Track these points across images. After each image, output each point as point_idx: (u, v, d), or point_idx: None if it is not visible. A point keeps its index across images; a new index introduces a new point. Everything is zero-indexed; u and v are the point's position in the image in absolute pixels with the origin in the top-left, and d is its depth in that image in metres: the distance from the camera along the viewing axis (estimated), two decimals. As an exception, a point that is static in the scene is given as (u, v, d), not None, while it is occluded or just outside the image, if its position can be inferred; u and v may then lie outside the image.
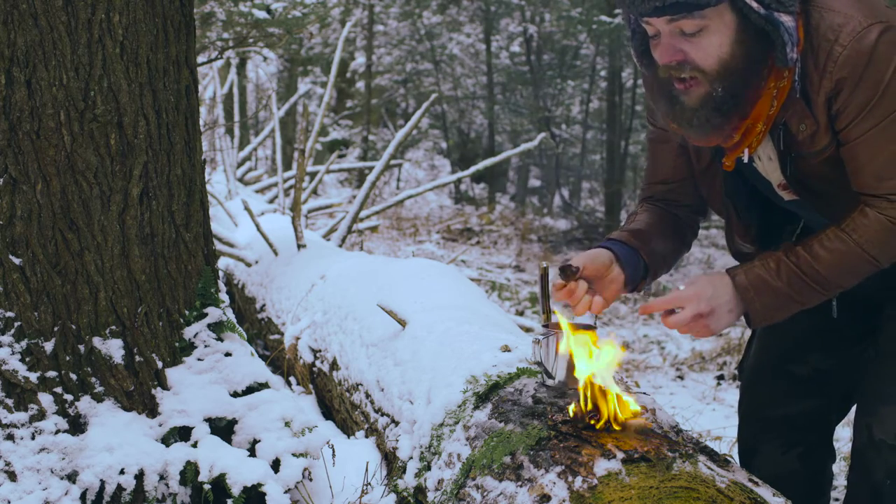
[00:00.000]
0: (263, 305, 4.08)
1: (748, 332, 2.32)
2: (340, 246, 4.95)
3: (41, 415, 2.13)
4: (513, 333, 2.47)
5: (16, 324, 2.13)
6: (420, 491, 1.94)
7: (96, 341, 2.21)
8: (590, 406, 1.64)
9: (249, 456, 2.25)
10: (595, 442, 1.57)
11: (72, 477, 2.09)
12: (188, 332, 2.38)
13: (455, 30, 14.06)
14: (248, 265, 4.47)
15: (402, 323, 2.59)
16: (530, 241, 10.27)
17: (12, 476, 2.04)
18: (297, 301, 3.59)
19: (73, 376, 2.18)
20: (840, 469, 2.95)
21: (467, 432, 1.85)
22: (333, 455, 2.42)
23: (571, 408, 1.67)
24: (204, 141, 3.57)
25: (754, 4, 1.65)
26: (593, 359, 1.71)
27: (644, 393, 1.81)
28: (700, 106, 1.73)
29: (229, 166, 6.79)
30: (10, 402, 2.11)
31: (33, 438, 2.10)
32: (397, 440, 2.22)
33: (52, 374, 2.16)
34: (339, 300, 3.18)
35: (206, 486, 2.15)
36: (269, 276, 4.17)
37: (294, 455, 2.27)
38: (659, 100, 1.82)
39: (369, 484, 2.34)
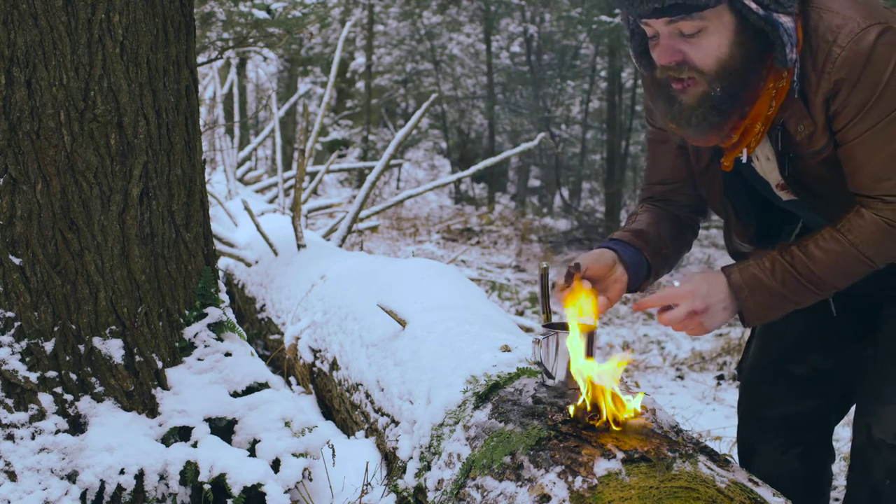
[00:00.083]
0: (263, 305, 4.08)
1: (748, 332, 2.33)
2: (340, 246, 4.95)
3: (41, 415, 2.13)
4: (513, 333, 2.47)
5: (16, 324, 2.13)
6: (420, 491, 1.94)
7: (96, 341, 2.21)
8: (590, 406, 1.64)
9: (249, 456, 2.25)
10: (595, 442, 1.57)
11: (72, 477, 2.09)
12: (188, 332, 2.38)
13: (455, 30, 14.06)
14: (248, 265, 4.47)
15: (402, 323, 2.59)
16: (530, 241, 10.27)
17: (12, 476, 2.04)
18: (297, 301, 3.59)
19: (73, 376, 2.19)
20: (840, 469, 2.96)
21: (467, 432, 1.85)
22: (333, 455, 2.42)
23: (571, 408, 1.67)
24: (204, 141, 3.58)
25: (753, 5, 1.65)
26: (594, 360, 1.71)
27: (644, 393, 1.81)
28: (698, 105, 1.73)
29: (229, 166, 6.79)
30: (10, 402, 2.11)
31: (33, 438, 2.10)
32: (397, 440, 2.22)
33: (52, 374, 2.16)
34: (339, 300, 3.18)
35: (206, 486, 2.15)
36: (269, 276, 4.17)
37: (294, 455, 2.27)
38: (657, 100, 1.82)
39: (369, 484, 2.34)
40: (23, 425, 2.10)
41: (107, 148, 2.18)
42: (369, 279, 3.16)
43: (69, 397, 2.17)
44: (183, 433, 2.27)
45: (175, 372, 2.33)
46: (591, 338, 1.79)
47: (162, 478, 2.16)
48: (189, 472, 2.18)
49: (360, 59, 14.65)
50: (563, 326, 1.82)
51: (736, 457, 2.38)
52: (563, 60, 12.44)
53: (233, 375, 2.39)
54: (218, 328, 2.43)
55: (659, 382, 4.82)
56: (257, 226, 4.22)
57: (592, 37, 10.70)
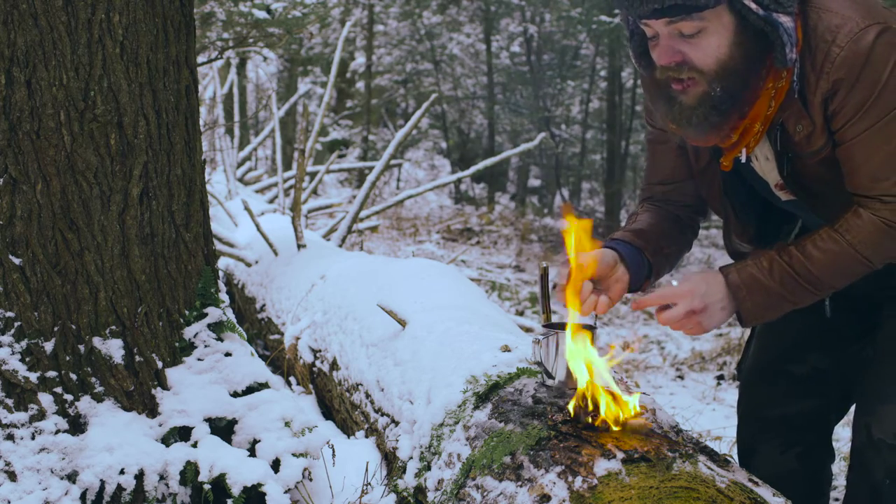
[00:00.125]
0: (263, 305, 4.08)
1: (748, 332, 2.33)
2: (340, 246, 4.95)
3: (41, 415, 2.13)
4: (513, 333, 2.47)
5: (16, 324, 2.13)
6: (420, 491, 1.94)
7: (96, 341, 2.22)
8: (590, 406, 1.64)
9: (249, 456, 2.25)
10: (595, 442, 1.57)
11: (72, 477, 2.09)
12: (188, 332, 2.38)
13: (455, 30, 14.07)
14: (248, 265, 4.47)
15: (402, 323, 2.59)
16: (530, 241, 10.27)
17: (12, 476, 2.04)
18: (297, 301, 3.59)
19: (73, 376, 2.19)
20: (840, 469, 2.95)
21: (467, 432, 1.85)
22: (333, 455, 2.42)
23: (571, 408, 1.67)
24: (204, 141, 3.58)
25: (753, 6, 1.65)
26: (591, 358, 1.71)
27: (644, 393, 1.82)
28: (698, 105, 1.73)
29: (229, 166, 6.79)
30: (10, 402, 2.11)
31: (33, 438, 2.10)
32: (397, 440, 2.22)
33: (52, 374, 2.16)
34: (339, 300, 3.18)
35: (206, 486, 2.15)
36: (269, 276, 4.17)
37: (294, 455, 2.27)
38: (657, 100, 1.82)
39: (369, 484, 2.34)
40: (23, 425, 2.10)
41: (107, 148, 2.18)
42: (369, 279, 3.16)
43: (69, 397, 2.17)
44: (183, 433, 2.27)
45: (175, 372, 2.33)
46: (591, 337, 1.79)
47: (162, 478, 2.16)
48: (189, 472, 2.18)
49: (360, 59, 14.65)
50: (564, 326, 1.82)
51: (736, 457, 2.38)
52: (563, 60, 12.44)
53: (233, 375, 2.39)
54: (218, 328, 2.43)
55: (659, 382, 4.82)
56: (257, 226, 4.22)
57: (592, 37, 10.70)
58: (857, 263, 1.75)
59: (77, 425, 2.17)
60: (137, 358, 2.26)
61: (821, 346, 2.14)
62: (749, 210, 2.00)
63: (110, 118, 2.17)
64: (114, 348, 2.23)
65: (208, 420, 2.30)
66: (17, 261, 2.12)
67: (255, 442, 2.30)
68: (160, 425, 2.26)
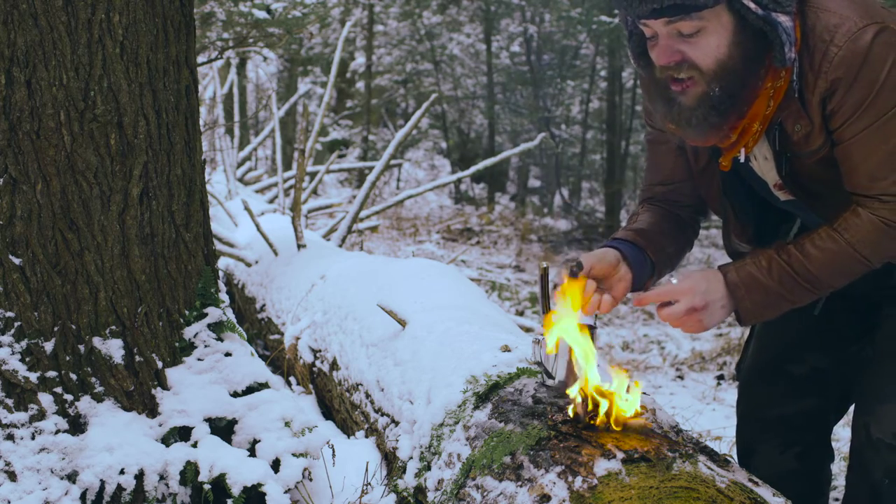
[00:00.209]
0: (263, 305, 4.08)
1: (748, 332, 2.33)
2: (340, 246, 4.95)
3: (41, 415, 2.13)
4: (513, 333, 2.47)
5: (16, 324, 2.13)
6: (420, 491, 1.94)
7: (96, 341, 2.22)
8: (590, 406, 1.64)
9: (249, 456, 2.25)
10: (595, 442, 1.57)
11: (72, 477, 2.09)
12: (188, 332, 2.38)
13: (455, 30, 14.06)
14: (248, 265, 4.47)
15: (402, 323, 2.59)
16: (530, 241, 10.27)
17: (12, 476, 2.04)
18: (297, 301, 3.59)
19: (73, 376, 2.19)
20: (840, 469, 2.96)
21: (467, 432, 1.85)
22: (333, 455, 2.42)
23: (571, 408, 1.67)
24: (204, 141, 3.57)
25: (752, 5, 1.66)
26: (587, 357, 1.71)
27: (644, 393, 1.82)
28: (697, 105, 1.73)
29: (229, 166, 6.79)
30: (10, 402, 2.11)
31: (33, 438, 2.10)
32: (397, 440, 2.22)
33: (52, 374, 2.16)
34: (339, 300, 3.18)
35: (206, 486, 2.15)
36: (269, 276, 4.17)
37: (294, 455, 2.27)
38: (656, 101, 1.82)
39: (369, 484, 2.34)
40: (23, 425, 2.10)
41: (107, 148, 2.18)
42: (369, 279, 3.16)
43: (69, 397, 2.17)
44: (183, 433, 2.27)
45: (175, 372, 2.33)
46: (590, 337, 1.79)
47: (162, 478, 2.16)
48: (189, 472, 2.18)
49: (360, 59, 14.65)
50: (563, 326, 1.82)
51: (735, 457, 2.38)
52: (563, 60, 12.44)
53: (233, 375, 2.39)
54: (218, 328, 2.43)
55: (659, 382, 4.82)
56: (257, 226, 4.22)
57: (592, 37, 10.70)
58: (856, 263, 1.75)
59: (77, 425, 2.17)
60: (137, 358, 2.26)
61: (820, 345, 2.14)
62: (748, 210, 2.01)
63: (110, 118, 2.17)
64: (114, 348, 2.23)
65: (208, 420, 2.30)
66: (17, 261, 2.12)
67: (255, 442, 2.30)
68: (160, 425, 2.26)
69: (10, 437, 2.08)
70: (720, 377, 4.90)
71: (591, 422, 1.63)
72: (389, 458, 2.37)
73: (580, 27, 10.68)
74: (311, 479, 2.33)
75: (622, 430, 1.61)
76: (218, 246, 4.35)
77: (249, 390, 2.40)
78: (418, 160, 15.89)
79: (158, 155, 2.28)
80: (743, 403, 2.28)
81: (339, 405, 2.91)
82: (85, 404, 2.19)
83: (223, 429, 2.32)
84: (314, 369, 3.18)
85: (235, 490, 2.13)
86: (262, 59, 13.46)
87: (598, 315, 1.90)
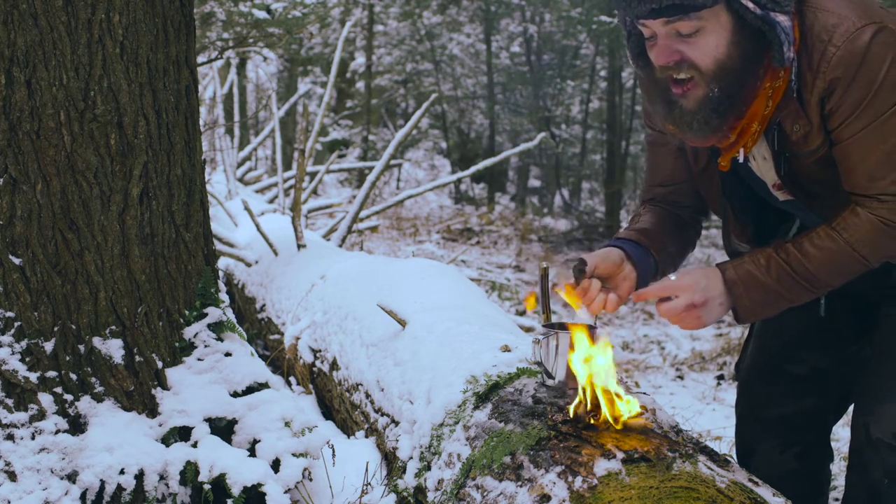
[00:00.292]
0: (263, 305, 4.08)
1: (747, 332, 2.33)
2: (340, 246, 4.95)
3: (41, 415, 2.13)
4: (513, 333, 2.47)
5: (16, 324, 2.13)
6: (420, 491, 1.94)
7: (96, 341, 2.22)
8: (590, 406, 1.64)
9: (249, 456, 2.25)
10: (595, 442, 1.57)
11: (72, 477, 2.09)
12: (188, 332, 2.38)
13: (455, 30, 14.06)
14: (248, 265, 4.47)
15: (402, 323, 2.59)
16: (530, 241, 10.27)
17: (12, 476, 2.04)
18: (297, 301, 3.59)
19: (73, 376, 2.19)
20: (840, 469, 2.95)
21: (467, 432, 1.85)
22: (333, 455, 2.42)
23: (571, 408, 1.67)
24: (204, 141, 3.58)
25: (750, 5, 1.66)
26: (592, 359, 1.71)
27: (644, 393, 1.82)
28: (699, 109, 1.73)
29: (229, 166, 6.79)
30: (10, 402, 2.11)
31: (33, 438, 2.10)
32: (397, 440, 2.22)
33: (52, 374, 2.16)
34: (339, 300, 3.19)
35: (206, 486, 2.15)
36: (269, 276, 4.17)
37: (294, 455, 2.27)
38: (656, 102, 1.82)
39: (369, 484, 2.34)
40: (23, 425, 2.10)
41: (107, 148, 2.18)
42: (369, 279, 3.16)
43: (69, 397, 2.17)
44: (183, 433, 2.27)
45: (175, 372, 2.33)
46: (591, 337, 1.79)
47: (162, 478, 2.16)
48: (189, 472, 2.18)
49: (360, 59, 14.65)
50: (563, 326, 1.82)
51: (735, 457, 2.38)
52: (563, 60, 12.44)
53: (233, 375, 2.39)
54: (218, 328, 2.43)
55: (659, 382, 4.82)
56: (257, 226, 4.22)
57: (592, 37, 10.70)
58: (855, 262, 1.75)
59: (77, 425, 2.17)
60: (137, 358, 2.26)
61: (819, 345, 2.14)
62: (747, 210, 2.01)
63: (110, 118, 2.17)
64: (114, 348, 2.23)
65: (208, 420, 2.30)
66: (17, 261, 2.12)
67: (255, 442, 2.30)
68: (160, 425, 2.26)
69: (10, 437, 2.08)
70: (720, 377, 4.90)
71: (592, 422, 1.63)
72: (389, 458, 2.37)
73: (580, 27, 10.67)
74: (311, 479, 2.33)
75: (622, 430, 1.61)
76: (218, 246, 4.35)
77: (249, 390, 2.40)
78: (418, 160, 15.90)
79: (158, 155, 2.28)
80: (742, 403, 2.28)
81: (339, 405, 2.91)
82: (85, 404, 2.19)
83: (223, 429, 2.32)
84: (314, 369, 3.18)
85: (235, 490, 2.13)
86: (262, 59, 13.46)
87: (598, 315, 1.91)
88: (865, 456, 1.93)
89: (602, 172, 12.20)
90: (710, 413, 4.08)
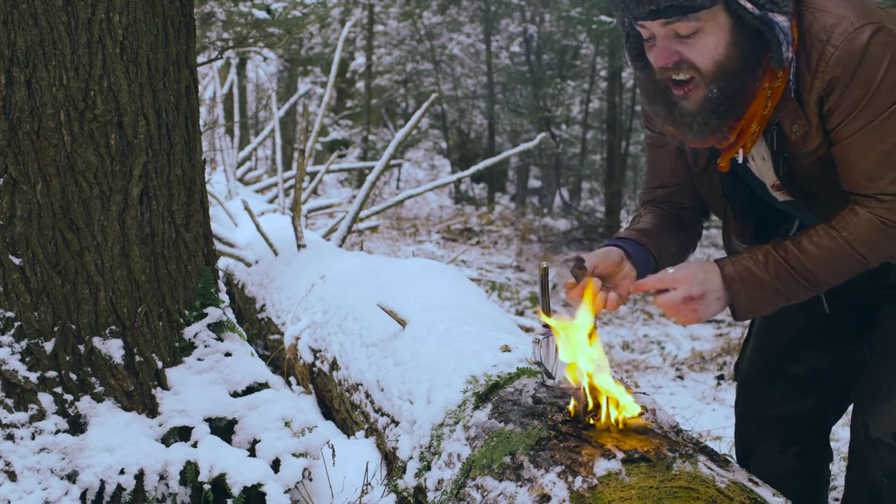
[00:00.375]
0: (263, 305, 4.09)
1: (747, 332, 2.33)
2: (340, 246, 4.95)
3: (41, 415, 2.13)
4: (513, 333, 2.47)
5: (16, 324, 2.13)
6: (420, 491, 1.95)
7: (96, 341, 2.22)
8: (590, 406, 1.64)
9: (249, 456, 2.25)
10: (595, 442, 1.57)
11: (72, 477, 2.09)
12: (188, 332, 2.38)
13: (455, 30, 14.07)
14: (248, 265, 4.47)
15: (402, 323, 2.59)
16: (530, 241, 10.27)
17: (12, 476, 2.04)
18: (297, 301, 3.59)
19: (73, 376, 2.19)
20: (840, 469, 2.96)
21: (467, 432, 1.86)
22: (333, 455, 2.42)
23: (571, 408, 1.67)
24: (204, 141, 3.58)
25: (748, 5, 1.66)
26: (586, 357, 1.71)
27: (644, 393, 1.82)
28: (699, 111, 1.73)
29: (229, 166, 6.79)
30: (10, 402, 2.11)
31: (33, 438, 2.10)
32: (397, 440, 2.22)
33: (52, 374, 2.16)
34: (339, 300, 3.19)
35: (206, 486, 2.15)
36: (269, 276, 4.17)
37: (294, 455, 2.27)
38: (656, 104, 1.82)
39: (369, 484, 2.34)
40: (23, 425, 2.10)
41: (107, 148, 2.18)
42: (369, 279, 3.16)
43: (69, 397, 2.17)
44: (183, 433, 2.27)
45: (175, 372, 2.33)
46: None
47: (162, 478, 2.16)
48: (189, 472, 2.18)
49: (360, 59, 14.65)
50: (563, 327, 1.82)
51: (735, 457, 2.38)
52: (563, 60, 12.44)
53: (233, 375, 2.39)
54: (218, 328, 2.43)
55: (659, 382, 4.82)
56: (257, 226, 4.22)
57: (592, 37, 10.70)
58: (853, 260, 1.75)
59: (77, 425, 2.17)
60: (137, 358, 2.26)
61: (819, 345, 2.14)
62: (747, 211, 2.01)
63: (110, 118, 2.17)
64: (114, 348, 2.23)
65: (208, 420, 2.30)
66: (17, 261, 2.12)
67: (255, 442, 2.30)
68: (160, 425, 2.26)
69: (10, 437, 2.08)
70: (720, 377, 4.90)
71: (592, 422, 1.63)
72: (389, 458, 2.37)
73: (580, 27, 10.68)
74: (311, 479, 2.33)
75: (622, 430, 1.61)
76: (218, 246, 4.35)
77: (249, 390, 2.40)
78: (418, 160, 15.90)
79: (158, 155, 2.28)
80: (741, 403, 2.28)
81: (339, 405, 2.91)
82: (85, 404, 2.19)
83: (223, 429, 2.32)
84: (314, 369, 3.18)
85: (235, 490, 2.13)
86: (262, 59, 13.46)
87: (598, 315, 1.90)
88: (865, 456, 1.93)
89: (602, 172, 12.21)
90: (710, 413, 4.08)
